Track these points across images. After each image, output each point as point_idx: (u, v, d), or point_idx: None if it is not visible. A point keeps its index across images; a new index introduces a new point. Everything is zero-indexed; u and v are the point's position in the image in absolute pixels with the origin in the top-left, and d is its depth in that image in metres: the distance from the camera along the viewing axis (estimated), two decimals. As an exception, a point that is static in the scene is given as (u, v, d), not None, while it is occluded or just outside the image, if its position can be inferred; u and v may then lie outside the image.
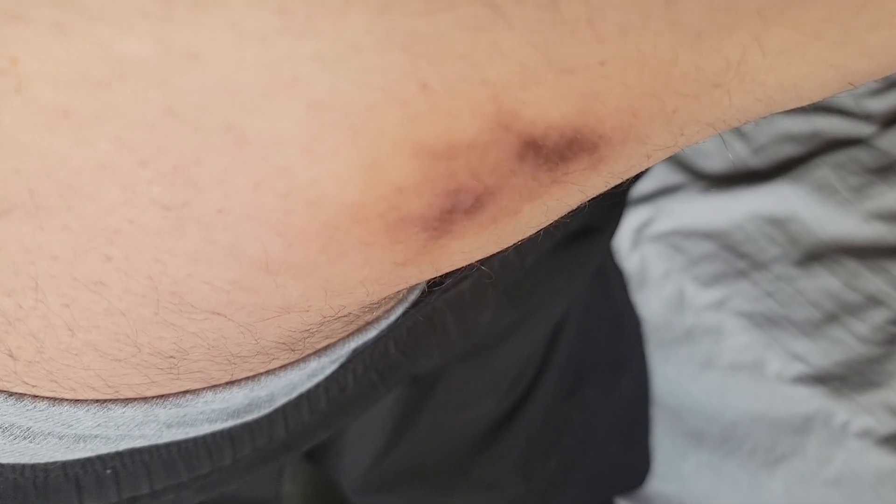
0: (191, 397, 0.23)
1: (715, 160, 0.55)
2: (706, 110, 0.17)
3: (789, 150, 0.55)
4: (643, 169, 0.19)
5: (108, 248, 0.16)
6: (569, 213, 0.20)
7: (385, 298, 0.22)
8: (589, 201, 0.20)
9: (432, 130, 0.15)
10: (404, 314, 0.27)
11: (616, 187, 0.20)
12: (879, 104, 0.56)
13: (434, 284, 0.25)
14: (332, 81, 0.14)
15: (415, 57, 0.14)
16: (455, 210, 0.17)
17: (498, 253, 0.20)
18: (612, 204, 0.45)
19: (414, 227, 0.17)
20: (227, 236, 0.16)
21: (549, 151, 0.16)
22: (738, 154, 0.55)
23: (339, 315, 0.20)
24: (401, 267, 0.18)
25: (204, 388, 0.23)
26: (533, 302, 0.40)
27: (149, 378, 0.21)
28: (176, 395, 0.22)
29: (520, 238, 0.20)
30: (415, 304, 0.28)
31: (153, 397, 0.22)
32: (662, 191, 0.55)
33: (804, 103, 0.19)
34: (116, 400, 0.22)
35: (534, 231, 0.20)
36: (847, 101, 0.56)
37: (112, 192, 0.15)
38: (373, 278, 0.18)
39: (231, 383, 0.23)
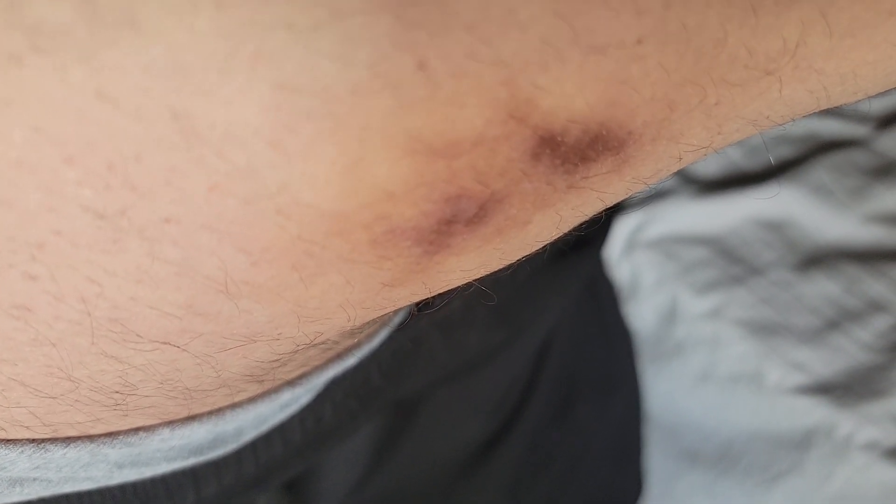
0: (144, 435, 0.20)
1: (707, 162, 0.53)
2: (752, 103, 0.15)
3: (784, 152, 0.53)
4: (671, 173, 0.17)
5: (30, 266, 0.13)
6: (581, 224, 0.17)
7: (369, 322, 0.19)
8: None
9: (430, 122, 0.12)
10: (388, 337, 0.25)
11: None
12: (875, 105, 0.54)
13: (423, 306, 0.22)
14: (304, 56, 0.11)
15: (411, 26, 0.11)
16: (455, 220, 0.14)
17: (499, 271, 0.17)
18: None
19: (405, 240, 0.14)
20: (176, 252, 0.13)
21: (568, 150, 0.14)
22: (731, 156, 0.53)
23: (315, 342, 0.17)
24: (389, 288, 0.15)
25: (159, 425, 0.20)
26: (522, 319, 0.37)
27: (93, 415, 0.18)
28: (126, 432, 0.19)
29: (526, 254, 0.17)
30: (400, 326, 0.25)
31: (100, 436, 0.19)
32: (653, 195, 0.52)
33: (859, 98, 0.16)
34: (56, 440, 0.19)
35: (542, 245, 0.17)
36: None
37: (32, 197, 0.12)
38: (355, 301, 0.15)
39: (191, 418, 0.20)
